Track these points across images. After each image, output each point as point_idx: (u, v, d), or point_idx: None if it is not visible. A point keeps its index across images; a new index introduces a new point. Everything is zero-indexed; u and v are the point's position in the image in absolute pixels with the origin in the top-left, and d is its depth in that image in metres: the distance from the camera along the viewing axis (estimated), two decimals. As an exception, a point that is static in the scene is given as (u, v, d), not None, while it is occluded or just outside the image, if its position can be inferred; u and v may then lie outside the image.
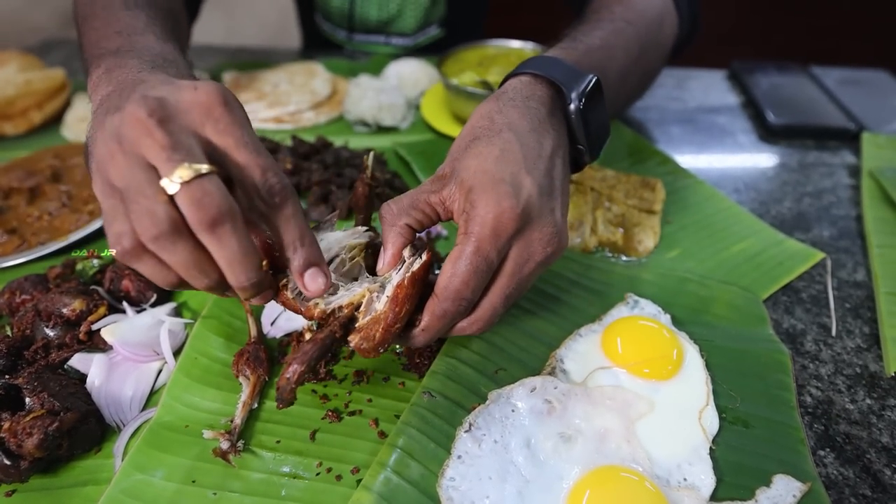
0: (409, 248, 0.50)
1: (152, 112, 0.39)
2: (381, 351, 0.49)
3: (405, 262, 0.50)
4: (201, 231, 0.39)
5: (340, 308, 0.49)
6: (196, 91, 0.41)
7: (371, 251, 0.54)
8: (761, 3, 2.55)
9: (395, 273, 0.49)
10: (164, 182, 0.38)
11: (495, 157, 0.48)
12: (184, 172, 0.38)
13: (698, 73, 1.23)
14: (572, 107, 0.54)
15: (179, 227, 0.39)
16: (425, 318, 0.49)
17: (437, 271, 0.67)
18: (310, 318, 0.49)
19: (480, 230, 0.46)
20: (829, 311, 0.66)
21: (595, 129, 0.57)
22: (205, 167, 0.39)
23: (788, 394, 0.54)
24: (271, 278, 0.48)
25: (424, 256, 0.49)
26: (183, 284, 0.43)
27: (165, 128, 0.39)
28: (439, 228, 0.75)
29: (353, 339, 0.48)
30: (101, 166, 0.40)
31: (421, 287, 0.49)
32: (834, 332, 0.63)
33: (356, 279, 0.52)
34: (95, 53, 0.56)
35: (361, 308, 0.49)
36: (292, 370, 0.45)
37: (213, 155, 0.41)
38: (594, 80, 0.55)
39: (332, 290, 0.50)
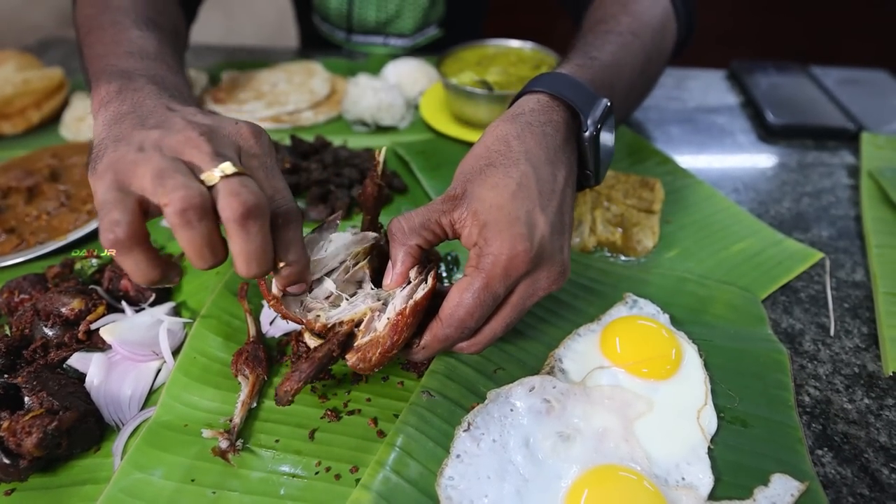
0: (415, 268, 0.50)
1: (203, 132, 0.44)
2: (377, 370, 0.49)
3: (410, 282, 0.50)
4: (233, 221, 0.41)
5: (341, 323, 0.49)
6: (236, 125, 0.48)
7: (377, 253, 0.54)
8: (761, 3, 2.55)
9: (399, 291, 0.50)
10: (205, 175, 0.42)
11: (512, 193, 0.48)
12: (227, 168, 0.42)
13: (698, 72, 1.23)
14: (587, 134, 0.54)
15: (209, 206, 0.41)
16: (426, 338, 0.49)
17: (443, 275, 0.68)
18: (311, 330, 0.50)
19: (492, 269, 0.47)
20: (828, 310, 0.66)
21: (603, 153, 0.57)
22: (244, 170, 0.43)
23: (787, 393, 0.54)
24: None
25: (430, 282, 0.49)
26: (161, 282, 0.44)
27: (212, 143, 0.44)
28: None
29: (351, 359, 0.49)
30: (120, 166, 0.42)
31: (422, 315, 0.49)
32: (832, 332, 0.63)
33: (360, 282, 0.53)
34: (104, 68, 0.57)
35: (361, 326, 0.49)
36: (289, 385, 0.46)
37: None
38: (608, 105, 0.55)
39: (334, 302, 0.50)
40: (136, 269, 0.42)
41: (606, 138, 0.57)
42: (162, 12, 0.75)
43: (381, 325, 0.48)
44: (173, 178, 0.40)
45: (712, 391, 0.53)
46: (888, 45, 2.25)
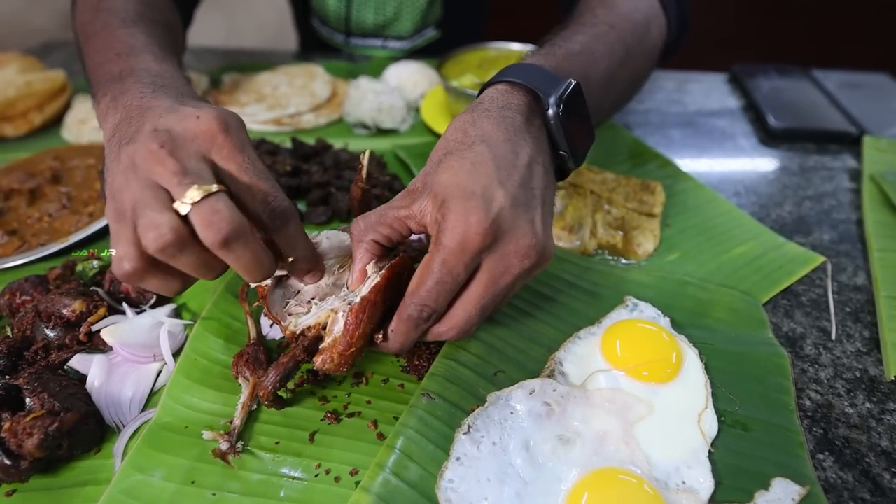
0: (372, 264, 0.51)
1: (163, 144, 0.43)
2: (345, 370, 0.49)
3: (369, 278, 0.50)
4: (215, 248, 0.42)
5: (309, 328, 0.50)
6: (199, 120, 0.45)
7: None
8: (762, 6, 2.55)
9: (363, 288, 0.50)
10: (176, 205, 0.41)
11: (467, 171, 0.48)
12: (194, 193, 0.41)
13: (699, 76, 1.23)
14: (550, 112, 0.53)
15: (184, 239, 0.41)
16: (394, 321, 0.49)
17: None
18: (284, 335, 0.51)
19: (448, 243, 0.46)
20: (829, 314, 0.66)
21: (577, 134, 0.55)
22: (214, 187, 0.42)
23: (788, 397, 0.54)
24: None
25: (383, 273, 0.49)
26: (186, 287, 0.47)
27: (175, 156, 0.43)
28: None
29: (316, 361, 0.49)
30: (115, 193, 0.44)
31: (375, 310, 0.49)
32: (834, 336, 0.63)
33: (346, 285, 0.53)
34: (101, 79, 0.59)
35: (327, 328, 0.49)
36: (260, 393, 0.50)
37: (221, 178, 0.45)
38: (573, 84, 0.53)
39: (305, 309, 0.51)
40: (157, 288, 0.46)
41: (578, 118, 0.55)
42: (152, 6, 0.76)
43: (341, 324, 0.49)
44: (144, 215, 0.41)
45: (713, 395, 0.52)
46: (889, 48, 2.25)
